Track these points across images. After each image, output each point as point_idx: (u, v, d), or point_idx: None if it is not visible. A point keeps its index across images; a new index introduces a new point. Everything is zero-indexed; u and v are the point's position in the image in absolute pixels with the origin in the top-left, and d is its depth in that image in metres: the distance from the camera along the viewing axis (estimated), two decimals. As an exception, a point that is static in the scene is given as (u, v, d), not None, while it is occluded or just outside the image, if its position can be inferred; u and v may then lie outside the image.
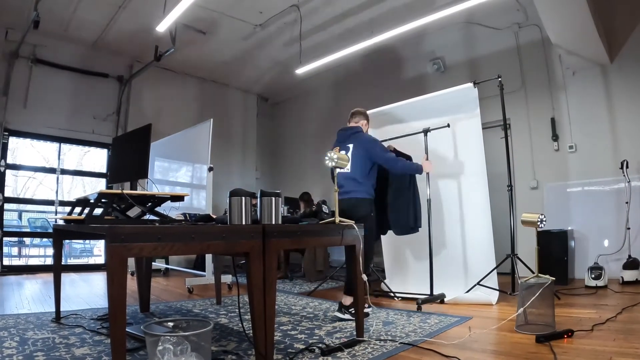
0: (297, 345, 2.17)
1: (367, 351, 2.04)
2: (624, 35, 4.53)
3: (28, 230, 6.94)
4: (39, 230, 6.80)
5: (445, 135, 3.76)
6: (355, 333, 2.28)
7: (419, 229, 3.58)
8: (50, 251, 6.47)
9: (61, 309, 2.81)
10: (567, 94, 4.89)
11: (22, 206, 6.65)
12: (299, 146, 7.92)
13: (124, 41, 5.88)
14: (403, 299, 3.57)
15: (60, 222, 2.76)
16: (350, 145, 3.09)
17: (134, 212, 2.65)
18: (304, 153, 7.77)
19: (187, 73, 7.03)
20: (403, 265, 4.12)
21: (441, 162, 3.81)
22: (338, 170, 2.59)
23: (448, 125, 3.52)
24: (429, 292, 3.44)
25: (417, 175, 3.49)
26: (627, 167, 4.15)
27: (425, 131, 3.40)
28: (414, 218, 3.55)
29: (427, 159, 3.42)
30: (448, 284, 3.55)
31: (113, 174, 2.98)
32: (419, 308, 3.06)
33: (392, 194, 3.58)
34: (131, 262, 4.24)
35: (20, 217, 7.01)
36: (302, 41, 5.37)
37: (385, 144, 3.87)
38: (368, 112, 4.41)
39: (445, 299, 3.38)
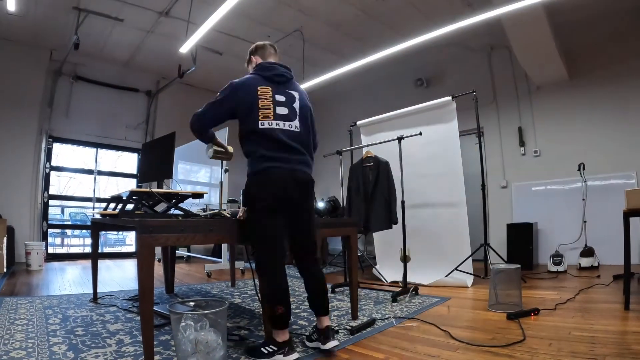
0: (301, 322, 2.16)
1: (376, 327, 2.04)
2: (580, 55, 4.53)
3: (69, 223, 6.93)
4: (78, 223, 6.80)
5: (427, 141, 3.76)
6: (350, 312, 2.27)
7: (393, 225, 3.53)
8: (88, 241, 6.47)
9: (98, 291, 2.82)
10: (533, 106, 4.89)
11: (64, 202, 6.64)
12: (302, 151, 7.90)
13: (152, 61, 5.87)
14: (392, 282, 3.57)
15: (97, 216, 2.76)
16: (296, 94, 1.80)
17: (160, 207, 2.65)
18: (306, 157, 7.75)
19: (206, 88, 7.01)
20: (392, 253, 4.11)
21: (425, 165, 3.81)
22: (275, 125, 1.66)
23: (420, 134, 3.29)
24: (414, 277, 3.44)
25: (398, 176, 3.35)
26: (583, 169, 4.16)
27: (400, 138, 3.27)
28: (390, 216, 3.52)
29: None
30: (430, 269, 3.54)
31: (142, 175, 2.98)
32: (394, 300, 2.69)
33: (374, 194, 3.57)
34: (158, 250, 4.23)
35: (62, 211, 7.00)
36: (304, 60, 5.37)
37: (365, 149, 3.81)
38: (361, 122, 4.44)
39: (428, 282, 3.37)
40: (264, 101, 1.67)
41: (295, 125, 1.73)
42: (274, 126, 1.66)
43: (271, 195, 1.63)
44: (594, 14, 4.36)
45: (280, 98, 1.72)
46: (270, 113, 1.67)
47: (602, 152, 4.30)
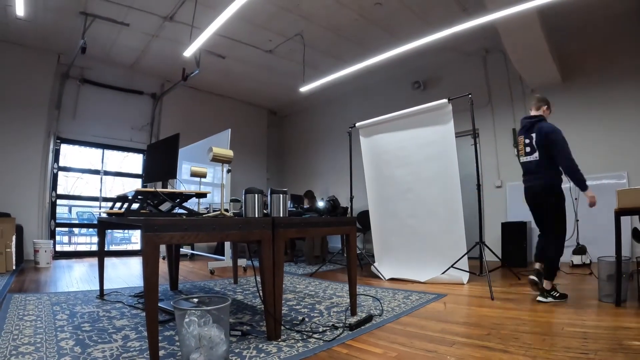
0: (301, 318, 2.16)
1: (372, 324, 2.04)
2: (573, 58, 4.53)
3: (77, 221, 6.93)
4: (85, 221, 6.79)
5: (424, 143, 3.76)
6: (350, 308, 2.27)
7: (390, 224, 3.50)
8: (95, 239, 6.46)
9: (104, 288, 2.82)
10: (527, 108, 4.87)
11: (71, 202, 6.63)
12: (303, 152, 7.91)
13: (157, 64, 5.87)
14: (389, 279, 3.57)
15: (104, 215, 2.76)
16: (534, 135, 2.71)
17: (165, 206, 2.65)
18: (307, 157, 7.76)
19: (209, 91, 7.02)
20: (389, 251, 4.11)
21: (422, 165, 3.81)
22: (523, 159, 2.73)
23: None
24: (411, 274, 3.43)
25: (397, 174, 3.33)
26: (576, 169, 4.14)
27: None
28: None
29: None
30: (427, 266, 3.55)
31: (147, 175, 2.98)
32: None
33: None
34: (162, 248, 4.24)
35: (70, 210, 6.99)
36: (305, 64, 5.37)
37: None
38: (359, 123, 4.44)
39: (424, 279, 3.37)
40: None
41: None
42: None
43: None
44: (587, 18, 4.36)
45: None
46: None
47: (594, 153, 4.29)
